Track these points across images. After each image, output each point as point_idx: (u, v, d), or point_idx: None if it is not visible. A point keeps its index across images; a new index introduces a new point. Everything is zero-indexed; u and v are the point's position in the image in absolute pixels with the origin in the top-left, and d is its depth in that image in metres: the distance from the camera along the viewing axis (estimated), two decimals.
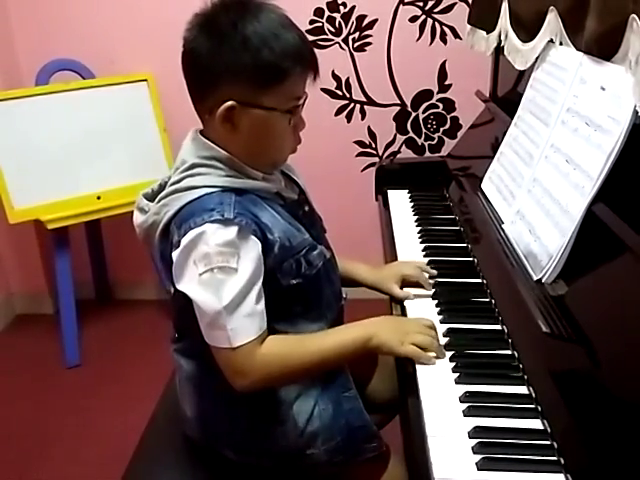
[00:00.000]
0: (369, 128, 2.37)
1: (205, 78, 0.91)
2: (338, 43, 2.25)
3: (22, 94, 2.11)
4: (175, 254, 0.89)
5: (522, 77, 1.39)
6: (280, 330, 0.94)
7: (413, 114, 2.35)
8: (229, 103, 0.89)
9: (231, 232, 0.87)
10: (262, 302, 0.90)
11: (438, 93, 2.31)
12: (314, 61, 0.94)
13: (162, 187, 0.97)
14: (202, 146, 0.94)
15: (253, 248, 0.89)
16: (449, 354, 0.94)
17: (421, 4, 2.19)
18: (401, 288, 1.14)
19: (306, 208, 1.04)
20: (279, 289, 0.93)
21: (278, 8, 0.92)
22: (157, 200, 0.95)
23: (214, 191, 0.90)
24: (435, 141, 2.39)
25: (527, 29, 1.23)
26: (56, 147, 2.12)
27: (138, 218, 0.99)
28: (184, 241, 0.87)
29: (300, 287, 0.95)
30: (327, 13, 2.22)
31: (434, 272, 1.17)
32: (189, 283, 0.88)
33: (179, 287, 0.90)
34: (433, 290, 1.13)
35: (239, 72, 0.88)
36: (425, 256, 1.27)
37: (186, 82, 0.94)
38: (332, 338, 0.95)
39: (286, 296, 0.95)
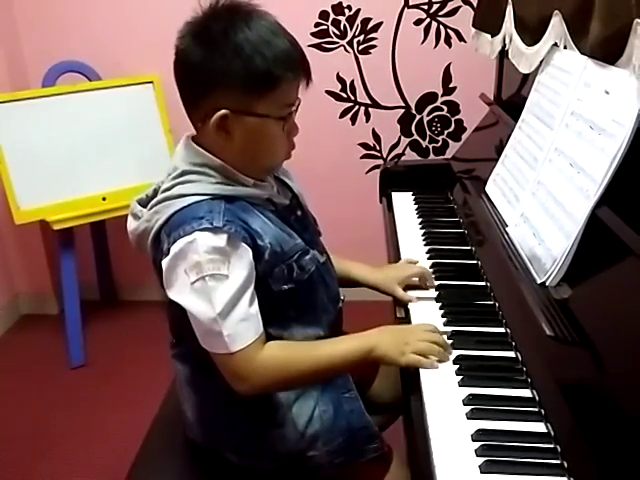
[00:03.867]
0: (373, 130, 2.37)
1: (197, 86, 0.90)
2: (343, 46, 2.25)
3: (29, 96, 2.12)
4: (165, 262, 0.88)
5: (526, 80, 1.39)
6: (274, 334, 0.94)
7: (417, 117, 2.35)
8: (222, 112, 0.88)
9: (221, 240, 0.86)
10: (255, 305, 0.89)
11: (442, 96, 2.31)
12: (306, 67, 0.93)
13: (156, 192, 0.97)
14: (194, 153, 0.94)
15: (244, 255, 0.88)
16: (452, 357, 0.94)
17: (426, 7, 2.20)
18: (404, 290, 1.14)
19: (298, 213, 1.03)
20: (271, 294, 0.93)
21: (268, 15, 0.92)
22: (149, 207, 0.94)
23: (204, 199, 0.90)
24: (439, 144, 2.39)
25: (532, 33, 1.23)
26: (62, 148, 2.13)
27: (131, 224, 0.98)
28: (173, 249, 0.87)
29: (292, 292, 0.95)
30: (332, 16, 2.22)
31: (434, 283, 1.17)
32: (182, 293, 0.88)
33: (171, 296, 0.90)
34: (437, 293, 1.13)
35: (231, 80, 0.87)
36: (429, 258, 1.27)
37: (178, 90, 0.93)
38: (332, 348, 0.94)
39: (278, 301, 0.95)
